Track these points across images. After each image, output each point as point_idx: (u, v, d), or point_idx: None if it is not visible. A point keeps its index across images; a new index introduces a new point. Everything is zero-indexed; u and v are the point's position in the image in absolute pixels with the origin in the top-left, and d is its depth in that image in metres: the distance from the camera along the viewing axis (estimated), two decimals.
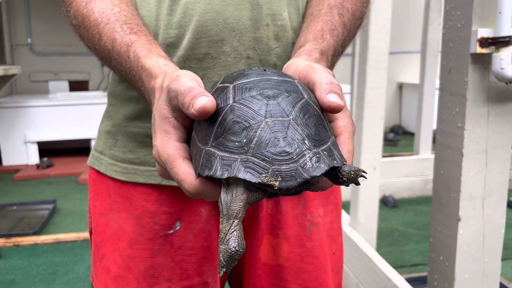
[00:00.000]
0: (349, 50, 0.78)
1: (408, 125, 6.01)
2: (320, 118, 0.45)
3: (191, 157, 0.46)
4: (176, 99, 0.45)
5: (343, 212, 2.04)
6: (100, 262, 0.74)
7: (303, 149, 0.41)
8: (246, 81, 0.46)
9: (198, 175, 0.44)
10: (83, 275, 2.27)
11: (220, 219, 0.42)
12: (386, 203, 3.18)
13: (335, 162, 0.42)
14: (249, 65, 0.65)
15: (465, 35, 0.89)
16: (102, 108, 0.88)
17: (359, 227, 1.97)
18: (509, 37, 0.81)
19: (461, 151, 0.91)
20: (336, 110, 0.45)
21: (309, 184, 0.42)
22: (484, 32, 0.85)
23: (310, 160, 0.41)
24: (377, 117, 1.87)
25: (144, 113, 0.69)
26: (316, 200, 0.76)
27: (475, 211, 0.94)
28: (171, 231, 0.70)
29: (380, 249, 2.32)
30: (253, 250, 0.74)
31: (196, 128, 0.47)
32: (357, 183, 0.45)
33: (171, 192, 0.70)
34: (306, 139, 0.42)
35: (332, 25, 0.63)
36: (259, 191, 0.42)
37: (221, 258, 0.41)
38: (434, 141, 2.08)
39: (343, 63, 1.01)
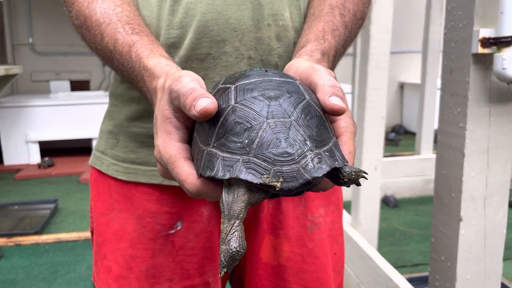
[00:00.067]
0: (350, 50, 0.78)
1: (409, 125, 6.01)
2: (322, 119, 0.45)
3: (193, 158, 0.46)
4: (178, 100, 0.45)
5: (344, 212, 2.04)
6: (101, 262, 0.74)
7: (305, 150, 0.41)
8: (247, 82, 0.46)
9: (200, 176, 0.44)
10: (84, 274, 2.28)
11: (222, 220, 0.42)
12: (387, 203, 3.18)
13: (336, 163, 0.42)
14: (250, 65, 0.65)
15: (466, 35, 0.89)
16: (104, 108, 0.88)
17: (360, 227, 1.97)
18: (510, 37, 0.81)
19: (462, 151, 0.91)
20: (338, 112, 0.45)
21: (311, 185, 0.42)
22: (485, 32, 0.85)
23: (311, 161, 0.41)
24: (378, 117, 1.87)
25: (146, 114, 0.69)
26: (317, 200, 0.76)
27: (477, 211, 0.94)
28: (173, 231, 0.70)
29: (381, 249, 2.32)
30: (254, 250, 0.75)
31: (198, 128, 0.47)
32: (358, 184, 0.45)
33: (173, 192, 0.70)
34: (308, 140, 0.42)
35: (333, 25, 0.63)
36: (261, 192, 0.42)
37: (222, 258, 0.41)
38: (435, 141, 2.08)
39: (344, 63, 1.01)
